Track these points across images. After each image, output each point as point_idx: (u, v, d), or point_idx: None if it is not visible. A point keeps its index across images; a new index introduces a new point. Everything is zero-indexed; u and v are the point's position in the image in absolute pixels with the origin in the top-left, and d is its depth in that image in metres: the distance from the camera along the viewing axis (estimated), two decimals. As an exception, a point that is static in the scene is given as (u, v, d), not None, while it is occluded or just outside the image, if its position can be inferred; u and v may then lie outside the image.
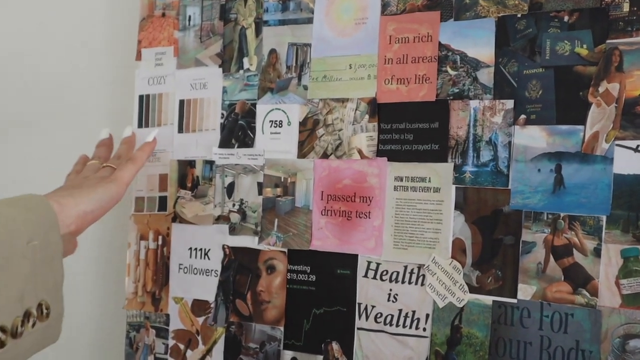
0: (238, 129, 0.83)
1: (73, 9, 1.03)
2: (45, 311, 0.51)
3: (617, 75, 0.63)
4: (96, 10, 1.01)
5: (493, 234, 0.68)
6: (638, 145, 0.62)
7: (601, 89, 0.64)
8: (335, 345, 0.75)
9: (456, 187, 0.70)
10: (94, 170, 0.74)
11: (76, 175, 0.75)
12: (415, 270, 0.71)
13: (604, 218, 0.63)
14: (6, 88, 1.08)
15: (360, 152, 0.74)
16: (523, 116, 0.67)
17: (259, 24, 0.82)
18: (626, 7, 0.63)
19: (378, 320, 0.73)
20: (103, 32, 1.01)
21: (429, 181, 0.71)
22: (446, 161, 0.70)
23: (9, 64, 1.08)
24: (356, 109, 0.75)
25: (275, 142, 0.80)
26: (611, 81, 0.63)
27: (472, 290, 0.69)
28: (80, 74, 1.03)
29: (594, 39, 0.64)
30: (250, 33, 0.82)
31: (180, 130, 0.86)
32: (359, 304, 0.74)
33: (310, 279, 0.77)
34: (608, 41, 0.64)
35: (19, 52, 1.07)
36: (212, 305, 0.83)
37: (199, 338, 0.84)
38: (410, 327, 0.71)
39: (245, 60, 0.82)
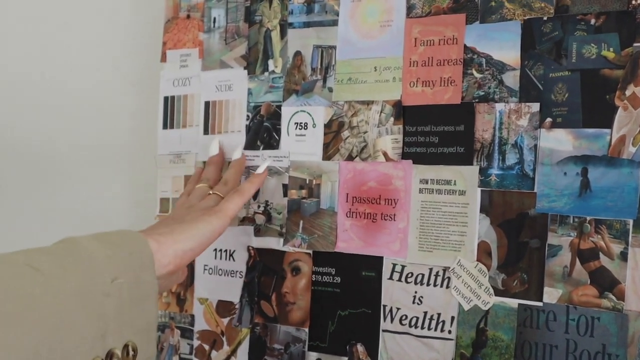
0: (263, 130, 0.85)
1: (97, 10, 1.06)
2: (131, 352, 0.50)
3: None
4: (120, 12, 1.04)
5: (519, 237, 0.70)
6: None
7: (628, 93, 0.65)
8: (360, 347, 0.77)
9: (481, 190, 0.72)
10: (201, 196, 0.75)
11: (187, 197, 0.76)
12: (441, 273, 0.73)
13: (631, 222, 0.65)
14: (32, 88, 1.11)
15: (385, 154, 0.77)
16: (549, 119, 0.69)
17: (284, 26, 0.84)
18: None
19: (403, 322, 0.75)
20: (127, 34, 1.04)
21: (455, 184, 0.73)
22: (471, 164, 0.72)
23: (35, 64, 1.11)
24: (381, 112, 0.77)
25: (300, 144, 0.83)
26: (638, 84, 0.65)
27: (498, 293, 0.71)
28: (105, 75, 1.05)
29: (620, 42, 0.66)
30: (275, 35, 0.85)
31: (205, 131, 0.89)
32: (384, 306, 0.77)
33: (335, 281, 0.80)
34: (635, 44, 0.65)
35: (44, 53, 1.10)
36: (237, 307, 0.86)
37: (224, 339, 0.87)
38: (436, 329, 0.73)
39: (271, 62, 0.85)
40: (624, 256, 0.65)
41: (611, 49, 0.67)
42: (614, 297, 0.65)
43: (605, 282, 0.66)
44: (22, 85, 1.12)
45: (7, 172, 1.13)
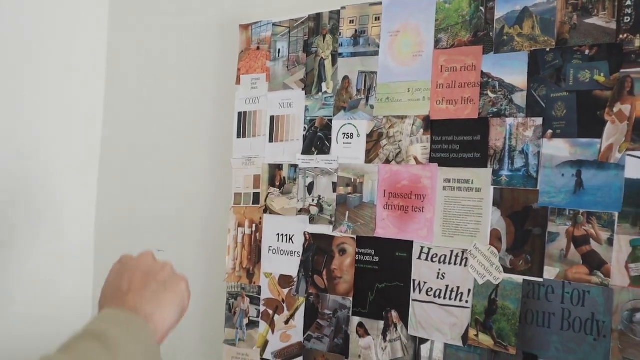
0: (317, 139, 0.90)
1: (189, 43, 1.09)
2: None
3: (629, 99, 0.68)
4: (205, 44, 1.07)
5: (524, 226, 0.74)
6: None
7: (615, 109, 0.69)
8: (394, 313, 0.82)
9: (494, 188, 0.76)
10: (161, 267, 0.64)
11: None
12: (460, 254, 0.78)
13: (616, 214, 0.68)
14: (134, 107, 1.16)
15: (416, 159, 0.82)
16: (550, 131, 0.73)
17: (335, 56, 0.89)
18: (637, 43, 0.68)
19: (429, 293, 0.80)
20: (210, 62, 1.06)
21: (472, 183, 0.78)
22: (486, 167, 0.77)
23: (139, 85, 1.16)
24: (413, 124, 0.82)
25: (347, 150, 0.87)
26: (624, 103, 0.69)
27: (506, 271, 0.75)
28: (192, 95, 1.08)
29: (610, 68, 0.70)
30: (328, 63, 0.90)
31: (270, 140, 0.94)
32: (414, 280, 0.81)
33: (374, 260, 0.85)
34: (622, 70, 0.69)
35: (147, 76, 1.15)
36: (295, 280, 0.91)
37: (285, 305, 0.92)
38: (455, 299, 0.78)
39: (324, 84, 0.90)
40: (610, 242, 0.69)
41: (602, 74, 0.70)
42: (601, 275, 0.69)
43: (595, 263, 0.70)
44: (139, 102, 1.19)
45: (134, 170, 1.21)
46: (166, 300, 0.60)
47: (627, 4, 0.69)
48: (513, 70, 0.76)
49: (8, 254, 1.06)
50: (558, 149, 0.73)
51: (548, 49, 0.74)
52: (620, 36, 0.69)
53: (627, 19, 0.69)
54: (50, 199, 1.13)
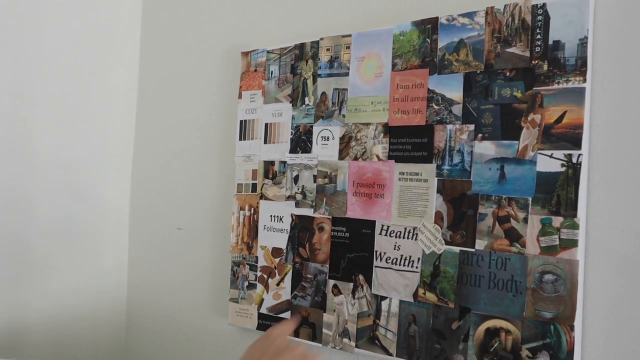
0: (301, 141, 0.90)
1: (202, 67, 1.09)
2: None
3: (540, 110, 0.69)
4: (215, 68, 1.06)
5: (460, 208, 0.75)
6: (552, 154, 0.68)
7: (529, 118, 0.70)
8: (361, 277, 0.82)
9: (437, 179, 0.76)
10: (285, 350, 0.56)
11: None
12: (412, 231, 0.78)
13: (530, 199, 0.69)
14: (162, 120, 1.16)
15: (377, 156, 0.82)
16: (480, 135, 0.74)
17: (315, 76, 0.89)
18: (545, 67, 0.69)
19: (388, 261, 0.80)
20: (219, 82, 1.06)
21: (421, 175, 0.78)
22: (431, 162, 0.77)
23: (166, 102, 1.15)
24: (375, 130, 0.82)
25: (324, 150, 0.87)
26: (536, 113, 0.70)
27: (447, 243, 0.75)
28: (206, 108, 1.08)
29: (525, 86, 0.70)
30: (310, 82, 0.89)
31: (265, 142, 0.94)
32: (376, 251, 0.81)
33: (345, 235, 0.85)
34: (534, 88, 0.70)
35: (171, 93, 1.14)
36: (284, 251, 0.91)
37: (276, 271, 0.92)
38: (408, 266, 0.79)
39: (306, 98, 0.90)
40: (525, 220, 0.70)
41: (519, 91, 0.71)
42: (519, 246, 0.70)
43: (514, 236, 0.71)
44: (166, 115, 1.18)
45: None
46: None
47: (537, 37, 0.71)
48: (452, 88, 0.77)
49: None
50: (486, 148, 0.74)
51: (478, 71, 0.74)
52: (533, 62, 0.70)
53: (537, 49, 0.71)
54: (92, 183, 1.13)
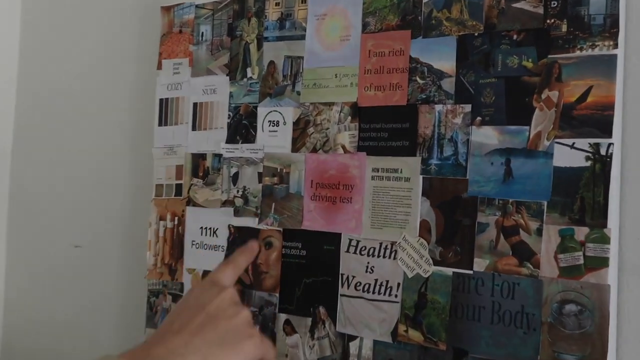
0: (242, 127, 0.81)
1: (107, 25, 1.01)
2: None
3: (557, 85, 0.62)
4: (126, 27, 0.99)
5: (453, 216, 0.67)
6: (574, 143, 0.61)
7: (543, 96, 0.63)
8: (322, 309, 0.74)
9: (423, 177, 0.69)
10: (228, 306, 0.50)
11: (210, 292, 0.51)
12: (389, 246, 0.70)
13: (545, 203, 0.62)
14: (49, 89, 1.07)
15: (343, 147, 0.73)
16: (479, 118, 0.66)
17: (260, 40, 0.80)
18: (564, 28, 0.62)
19: (357, 288, 0.72)
20: (130, 46, 0.99)
21: (401, 172, 0.70)
22: (415, 155, 0.69)
23: (55, 70, 1.06)
24: (341, 112, 0.74)
25: (273, 139, 0.79)
26: (552, 89, 0.63)
27: (436, 263, 0.68)
28: (110, 80, 1.00)
29: (538, 54, 0.64)
30: (253, 47, 0.81)
31: (193, 128, 0.85)
32: (342, 275, 0.73)
33: (301, 254, 0.76)
34: (550, 56, 0.63)
35: (61, 58, 1.06)
36: None
37: None
38: (384, 294, 0.70)
39: (249, 70, 0.81)
40: (539, 232, 0.63)
41: (530, 60, 0.64)
42: (531, 266, 0.63)
43: (524, 254, 0.63)
44: (54, 87, 1.07)
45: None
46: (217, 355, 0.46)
47: (555, -13, 0.62)
48: (441, 56, 0.69)
49: None
50: (487, 136, 0.66)
51: (476, 34, 0.67)
52: (548, 21, 0.63)
53: (554, 4, 0.63)
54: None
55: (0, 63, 1.08)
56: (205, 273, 0.83)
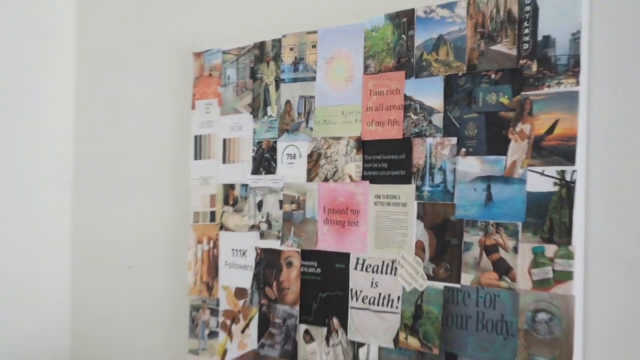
0: (264, 160, 1.05)
1: (148, 70, 1.26)
2: None
3: (529, 119, 0.82)
4: (165, 71, 1.23)
5: (444, 237, 0.88)
6: (543, 170, 0.80)
7: (518, 129, 0.82)
8: (335, 320, 0.96)
9: (417, 203, 0.90)
10: None
11: None
12: (390, 264, 0.92)
13: (520, 224, 0.82)
14: (104, 127, 1.35)
15: (350, 177, 0.96)
16: (463, 149, 0.86)
17: (278, 81, 1.04)
18: (534, 68, 0.81)
19: (364, 301, 0.94)
20: (169, 88, 1.22)
21: (399, 198, 0.92)
22: (410, 183, 0.91)
23: (108, 110, 1.34)
24: (347, 145, 0.96)
25: (290, 170, 1.02)
26: (525, 122, 0.82)
27: (430, 278, 0.88)
28: (153, 119, 1.25)
29: (512, 91, 0.83)
30: (272, 88, 1.04)
31: (224, 161, 1.10)
32: (351, 289, 0.95)
33: (317, 271, 0.99)
34: (522, 93, 0.82)
35: (113, 102, 1.33)
36: (249, 292, 1.06)
37: (240, 316, 1.07)
38: (387, 305, 0.92)
39: (269, 108, 1.05)
40: (515, 250, 0.82)
41: (506, 97, 0.84)
42: (509, 280, 0.82)
43: (503, 269, 0.83)
44: (106, 128, 1.38)
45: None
46: None
47: (525, 32, 0.83)
48: (431, 94, 0.90)
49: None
50: (470, 165, 0.86)
51: (460, 74, 0.88)
52: (521, 61, 0.83)
53: (525, 46, 0.83)
54: (28, 216, 1.31)
55: (59, 110, 1.37)
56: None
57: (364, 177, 0.96)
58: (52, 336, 1.35)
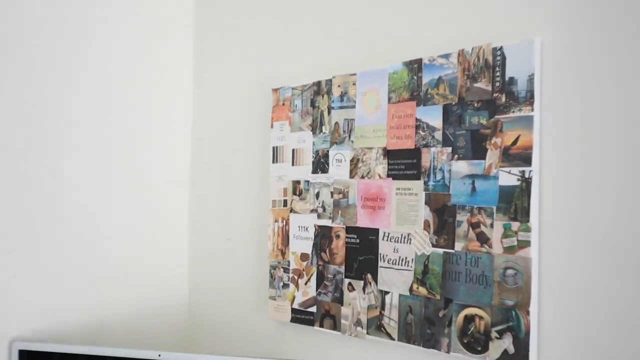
0: (320, 164, 1.28)
1: (244, 102, 1.50)
2: None
3: (500, 134, 1.00)
4: (253, 102, 1.47)
5: (443, 217, 1.08)
6: (510, 170, 0.99)
7: (492, 141, 1.01)
8: (369, 275, 1.18)
9: (425, 193, 1.10)
10: None
11: None
12: (406, 236, 1.12)
13: (494, 208, 1.00)
14: (213, 147, 1.62)
15: (379, 175, 1.18)
16: (456, 156, 1.06)
17: (330, 109, 1.26)
18: (504, 99, 1.00)
19: (389, 262, 1.15)
20: (257, 114, 1.47)
21: (412, 190, 1.12)
22: (420, 179, 1.11)
23: (216, 130, 1.60)
24: (377, 153, 1.18)
25: (338, 170, 1.24)
26: (497, 137, 1.01)
27: (434, 246, 1.08)
28: (247, 136, 1.49)
29: (489, 115, 1.02)
30: (326, 114, 1.27)
31: (292, 164, 1.33)
32: (380, 254, 1.16)
33: (357, 241, 1.20)
34: (495, 116, 1.01)
35: (219, 124, 1.59)
36: (310, 256, 1.29)
37: (304, 273, 1.30)
38: (404, 265, 1.13)
39: (324, 127, 1.27)
40: (492, 225, 1.01)
41: (484, 119, 1.03)
42: (487, 247, 1.02)
43: (483, 239, 1.02)
44: (216, 142, 1.67)
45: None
46: None
47: (497, 74, 1.03)
48: (434, 117, 1.10)
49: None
50: (460, 167, 1.06)
51: (453, 103, 1.07)
52: (494, 95, 1.02)
53: (497, 84, 1.03)
54: (149, 199, 1.61)
55: (181, 126, 1.63)
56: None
57: (388, 175, 1.17)
58: (172, 286, 1.62)
